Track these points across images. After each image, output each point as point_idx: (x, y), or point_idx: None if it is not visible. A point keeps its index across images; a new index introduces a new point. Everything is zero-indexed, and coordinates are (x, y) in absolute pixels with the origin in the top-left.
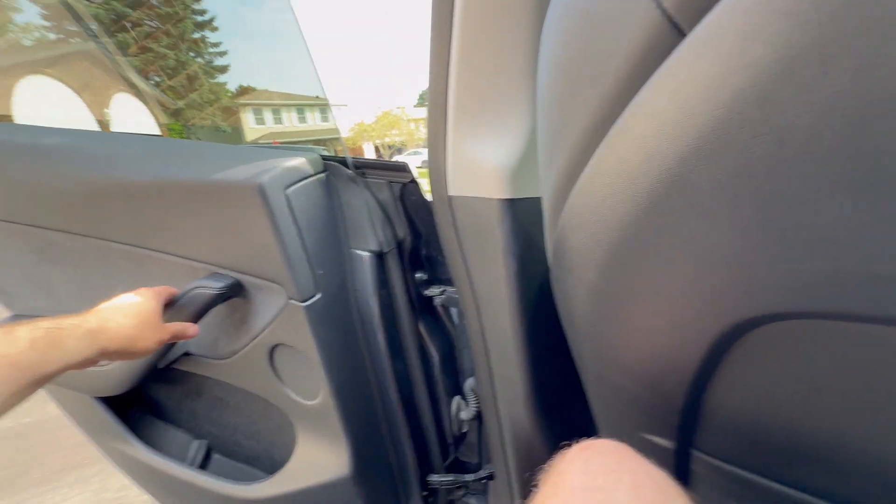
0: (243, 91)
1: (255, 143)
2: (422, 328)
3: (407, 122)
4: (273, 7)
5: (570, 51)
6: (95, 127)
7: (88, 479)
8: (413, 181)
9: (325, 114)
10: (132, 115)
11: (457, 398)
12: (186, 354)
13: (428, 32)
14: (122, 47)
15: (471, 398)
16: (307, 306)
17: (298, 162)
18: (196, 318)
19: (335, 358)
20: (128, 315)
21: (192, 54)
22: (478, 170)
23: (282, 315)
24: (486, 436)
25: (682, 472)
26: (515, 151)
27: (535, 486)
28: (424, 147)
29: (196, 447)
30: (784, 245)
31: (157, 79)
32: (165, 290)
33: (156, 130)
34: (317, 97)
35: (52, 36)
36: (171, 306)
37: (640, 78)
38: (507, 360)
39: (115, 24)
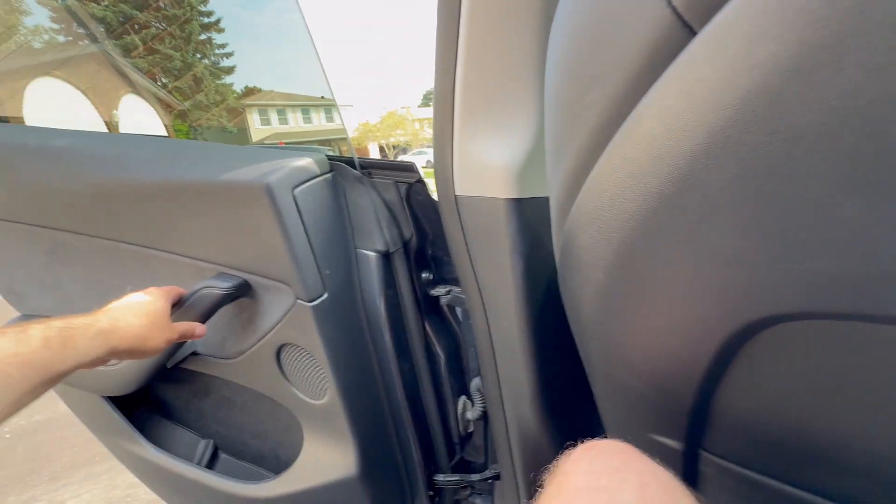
0: (249, 92)
1: (260, 143)
2: (428, 328)
3: (412, 122)
4: (280, 7)
5: (579, 50)
6: (103, 128)
7: (98, 477)
8: (420, 181)
9: (331, 114)
10: (139, 116)
11: (462, 398)
12: (194, 354)
13: (433, 31)
14: (129, 49)
15: (476, 398)
16: (314, 306)
17: (305, 162)
18: (204, 318)
19: (342, 358)
20: (137, 314)
21: (198, 56)
22: (484, 169)
23: (289, 315)
24: (492, 436)
25: (690, 473)
26: (522, 151)
27: (541, 486)
28: (429, 147)
29: (203, 446)
30: (796, 245)
31: (165, 80)
32: (174, 290)
33: (162, 131)
34: (322, 97)
35: (61, 38)
36: (178, 306)
37: (650, 77)
38: (514, 360)
39: (122, 27)
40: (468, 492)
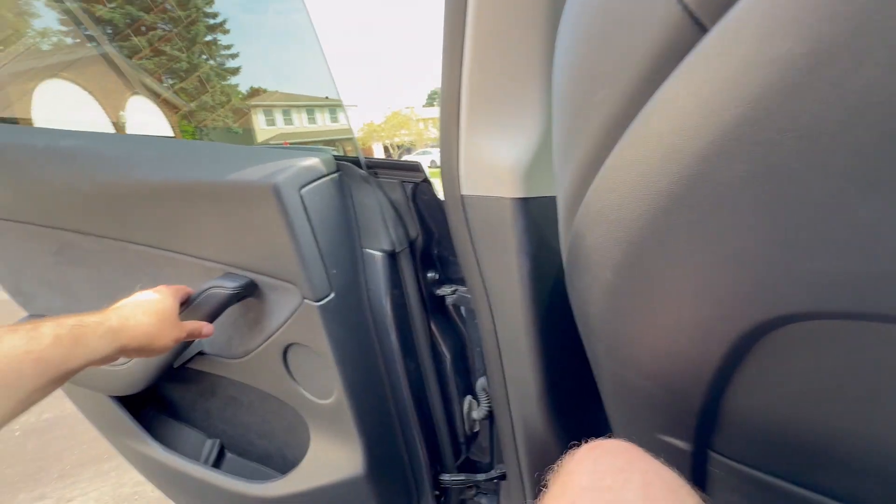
0: (254, 92)
1: (265, 143)
2: (434, 328)
3: (416, 121)
4: (285, 8)
5: (587, 48)
6: (110, 128)
7: (106, 474)
8: (426, 180)
9: (335, 114)
10: (146, 117)
11: (468, 398)
12: (201, 354)
13: (438, 31)
14: (136, 51)
15: (482, 398)
16: (321, 306)
17: (312, 162)
18: (211, 317)
19: (349, 357)
20: (147, 312)
21: (203, 57)
22: (490, 169)
23: (296, 314)
24: (498, 435)
25: (698, 474)
26: (528, 150)
27: (545, 486)
28: (433, 147)
29: (210, 446)
30: (809, 244)
31: (171, 81)
32: (182, 289)
33: (169, 132)
34: (326, 97)
35: (69, 41)
36: (186, 305)
37: (660, 75)
38: (520, 360)
39: (128, 28)
40: (473, 492)
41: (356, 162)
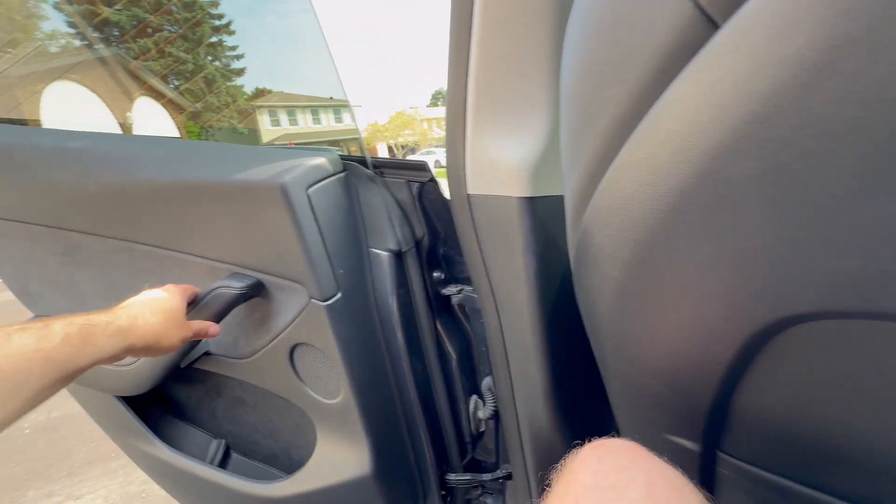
0: (259, 93)
1: (270, 144)
2: (440, 327)
3: (420, 121)
4: (292, 9)
5: (596, 47)
6: (117, 129)
7: (114, 472)
8: (432, 180)
9: (339, 114)
10: (152, 118)
11: (474, 397)
12: (207, 354)
13: (442, 30)
14: (142, 52)
15: (488, 397)
16: (328, 306)
17: (319, 162)
18: (218, 317)
19: (356, 357)
20: (155, 312)
21: (209, 58)
22: (497, 168)
23: (303, 314)
24: (504, 435)
25: (706, 474)
26: (535, 149)
27: (549, 485)
28: (437, 147)
29: (215, 446)
30: (822, 243)
31: (177, 82)
32: (189, 289)
33: (175, 132)
34: (331, 98)
35: (77, 43)
36: (193, 305)
37: (670, 73)
38: (526, 359)
39: (134, 29)
40: (479, 491)
41: (362, 162)
